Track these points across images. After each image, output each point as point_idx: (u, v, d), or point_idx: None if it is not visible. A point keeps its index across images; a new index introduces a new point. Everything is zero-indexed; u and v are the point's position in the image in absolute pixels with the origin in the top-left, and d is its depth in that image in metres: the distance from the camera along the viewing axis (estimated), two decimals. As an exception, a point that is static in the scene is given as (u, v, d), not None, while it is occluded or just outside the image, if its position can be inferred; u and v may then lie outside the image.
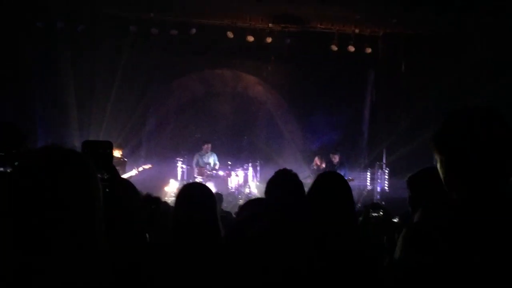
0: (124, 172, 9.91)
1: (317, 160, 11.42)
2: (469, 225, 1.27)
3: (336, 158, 11.21)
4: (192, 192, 2.58)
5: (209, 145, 11.85)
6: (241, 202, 10.48)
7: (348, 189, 2.25)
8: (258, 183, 11.66)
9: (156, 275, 1.59)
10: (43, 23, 10.65)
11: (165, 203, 3.79)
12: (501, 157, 1.29)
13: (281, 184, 2.56)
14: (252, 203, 2.37)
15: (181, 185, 3.11)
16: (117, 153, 10.17)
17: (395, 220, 3.27)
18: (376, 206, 3.27)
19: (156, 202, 2.07)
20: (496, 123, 1.32)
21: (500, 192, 1.28)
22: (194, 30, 11.29)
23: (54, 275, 1.01)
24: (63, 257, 1.02)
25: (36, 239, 1.01)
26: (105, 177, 1.52)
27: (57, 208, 1.03)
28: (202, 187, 2.70)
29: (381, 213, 3.08)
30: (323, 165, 11.30)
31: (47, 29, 10.69)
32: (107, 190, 1.46)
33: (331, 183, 2.25)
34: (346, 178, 8.96)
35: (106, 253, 1.10)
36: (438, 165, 1.39)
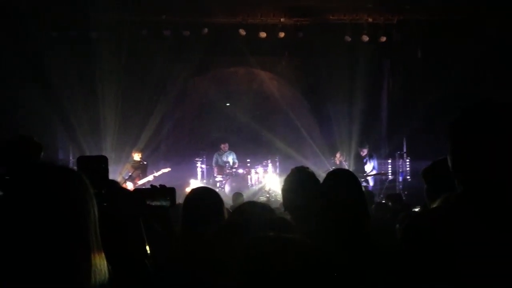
0: (145, 176, 10.01)
1: (338, 155, 11.32)
2: (466, 216, 1.26)
3: (364, 152, 11.07)
4: (198, 199, 2.61)
5: (227, 145, 11.99)
6: (262, 198, 10.47)
7: (357, 189, 2.18)
8: (278, 179, 11.63)
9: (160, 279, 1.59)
10: (57, 32, 10.78)
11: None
12: None
13: (295, 184, 2.54)
14: (248, 207, 2.36)
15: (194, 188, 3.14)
16: (136, 156, 10.28)
17: (416, 210, 3.21)
18: (394, 198, 3.22)
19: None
20: None
21: (504, 187, 1.25)
22: (206, 30, 11.30)
23: None
24: (59, 276, 1.01)
25: (28, 260, 1.00)
26: (102, 192, 1.53)
27: (50, 225, 1.03)
28: (208, 193, 2.71)
29: (398, 205, 3.05)
30: (344, 160, 11.17)
31: (61, 38, 10.81)
32: (105, 204, 1.47)
33: (338, 185, 2.18)
34: (376, 172, 8.87)
35: (104, 267, 1.09)
36: (448, 153, 1.38)
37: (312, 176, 2.54)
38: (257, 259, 1.06)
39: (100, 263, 1.08)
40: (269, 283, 1.03)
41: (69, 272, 1.03)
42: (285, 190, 2.63)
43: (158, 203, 2.00)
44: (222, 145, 12.00)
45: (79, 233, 1.06)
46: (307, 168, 2.65)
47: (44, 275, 1.00)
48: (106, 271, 1.10)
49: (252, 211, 2.23)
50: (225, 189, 11.14)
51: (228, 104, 13.08)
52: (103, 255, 1.10)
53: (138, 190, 2.26)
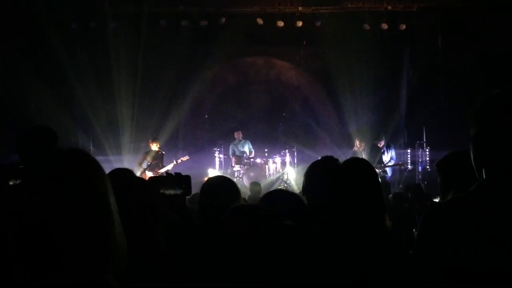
0: (163, 165, 10.08)
1: (357, 142, 11.22)
2: (487, 206, 1.22)
3: (381, 143, 10.97)
4: (215, 187, 2.62)
5: (240, 133, 11.83)
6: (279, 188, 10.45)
7: (372, 177, 2.15)
8: (295, 169, 11.61)
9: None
10: (76, 24, 10.87)
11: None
12: None
13: (319, 171, 2.53)
14: (272, 196, 2.36)
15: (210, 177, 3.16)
16: (154, 146, 10.35)
17: (437, 200, 3.16)
18: (413, 188, 3.18)
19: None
20: None
21: None
22: (223, 20, 11.27)
23: (64, 284, 1.01)
24: (75, 263, 1.02)
25: (43, 248, 1.01)
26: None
27: (66, 210, 1.03)
28: (224, 181, 2.72)
29: (418, 195, 3.00)
30: (363, 147, 11.09)
31: (80, 29, 10.91)
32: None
33: (352, 173, 2.15)
34: (395, 162, 8.78)
35: (125, 245, 1.10)
36: (472, 140, 1.33)
37: (337, 166, 2.52)
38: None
39: (122, 242, 1.10)
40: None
41: (86, 260, 1.03)
42: (307, 175, 2.62)
43: (173, 191, 2.00)
44: (236, 133, 11.90)
45: (103, 210, 1.06)
46: (336, 159, 2.63)
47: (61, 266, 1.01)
48: (126, 250, 1.11)
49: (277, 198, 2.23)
50: (243, 179, 11.16)
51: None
52: (124, 236, 1.11)
53: (152, 179, 2.25)
